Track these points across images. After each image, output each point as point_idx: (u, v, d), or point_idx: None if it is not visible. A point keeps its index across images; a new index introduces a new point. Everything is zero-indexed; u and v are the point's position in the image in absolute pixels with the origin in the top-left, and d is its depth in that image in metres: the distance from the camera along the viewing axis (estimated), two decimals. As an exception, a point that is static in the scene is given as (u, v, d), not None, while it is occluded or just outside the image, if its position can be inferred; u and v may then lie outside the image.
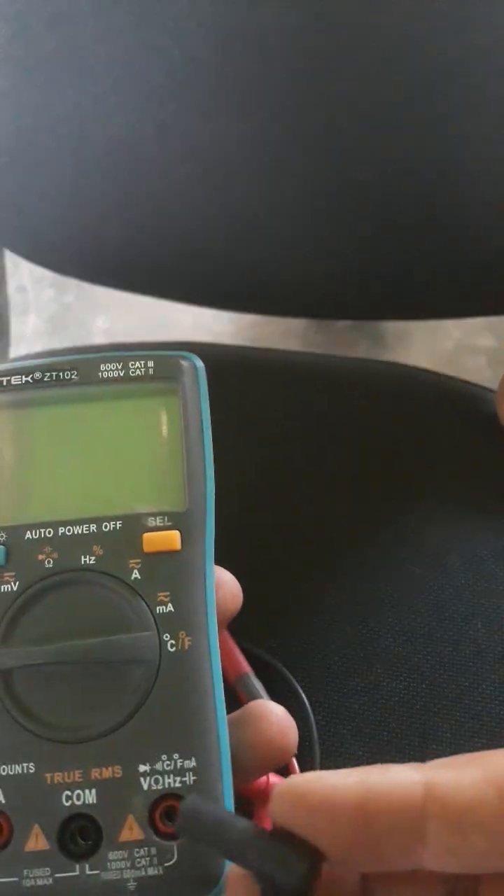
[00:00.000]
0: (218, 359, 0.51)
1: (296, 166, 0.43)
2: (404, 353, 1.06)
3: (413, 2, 0.37)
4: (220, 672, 0.25)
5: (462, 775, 0.18)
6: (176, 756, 0.24)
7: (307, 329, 1.06)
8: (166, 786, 0.24)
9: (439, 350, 1.07)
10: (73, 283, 1.14)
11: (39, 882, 0.23)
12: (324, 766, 0.33)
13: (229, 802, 0.24)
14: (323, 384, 0.48)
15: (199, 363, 0.29)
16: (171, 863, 0.23)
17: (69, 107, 0.43)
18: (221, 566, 0.33)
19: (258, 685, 0.34)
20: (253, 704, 0.27)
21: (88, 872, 0.23)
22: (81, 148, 0.44)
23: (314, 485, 0.42)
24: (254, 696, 0.33)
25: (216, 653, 0.25)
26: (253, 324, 1.07)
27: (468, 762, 0.19)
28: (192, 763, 0.24)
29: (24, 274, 1.15)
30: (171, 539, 0.26)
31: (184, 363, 0.29)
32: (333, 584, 0.38)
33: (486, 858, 0.18)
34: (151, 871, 0.23)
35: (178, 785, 0.24)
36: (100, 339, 1.12)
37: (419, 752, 0.34)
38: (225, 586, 0.28)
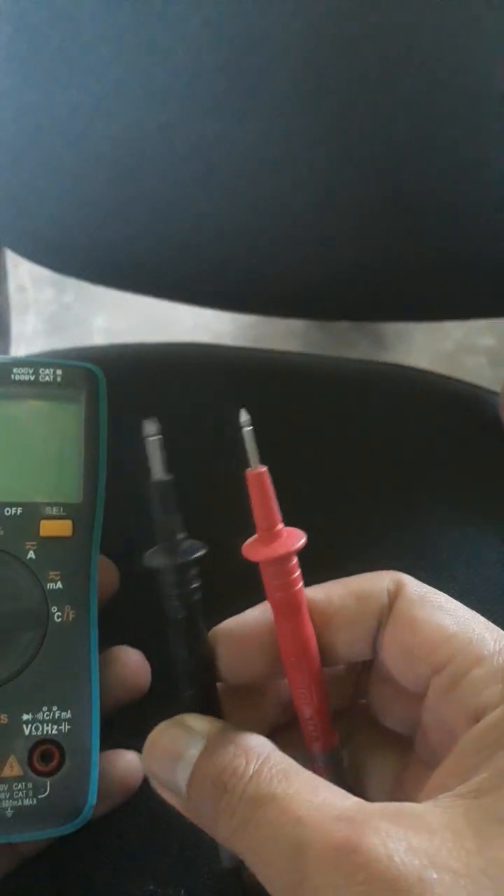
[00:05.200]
0: (217, 359, 0.51)
1: (299, 167, 0.43)
2: (404, 353, 1.06)
3: (420, 3, 0.37)
4: (97, 641, 0.30)
5: (330, 590, 0.27)
6: (55, 708, 0.28)
7: (308, 329, 1.06)
8: (45, 732, 0.28)
9: (439, 350, 1.07)
10: (72, 283, 1.14)
11: None
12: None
13: (96, 747, 0.28)
14: (324, 385, 0.48)
15: (101, 375, 0.33)
16: (43, 795, 0.27)
17: (71, 106, 0.42)
18: (223, 569, 0.35)
19: (343, 763, 0.28)
20: (114, 649, 0.31)
21: None
22: (83, 147, 0.44)
23: (315, 487, 0.42)
24: (340, 774, 0.27)
25: (94, 622, 0.30)
26: (253, 324, 1.07)
27: (334, 583, 0.27)
28: (67, 714, 0.28)
29: (23, 273, 1.15)
30: (65, 527, 0.30)
31: (88, 374, 0.33)
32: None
33: (352, 647, 0.26)
34: (27, 802, 0.27)
35: (54, 732, 0.28)
36: (99, 338, 1.12)
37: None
38: (105, 573, 0.32)
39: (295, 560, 0.27)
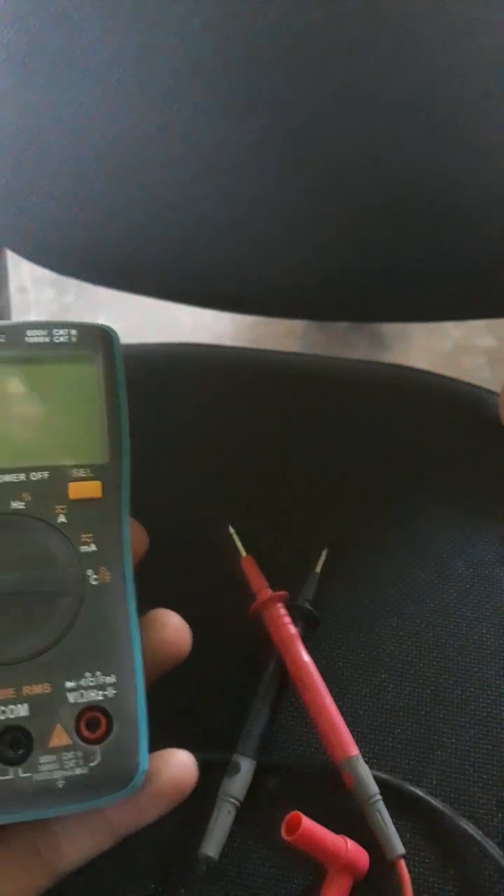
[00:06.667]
0: (218, 360, 0.50)
1: (298, 167, 0.43)
2: (404, 353, 1.06)
3: (420, 3, 0.37)
4: (135, 601, 0.29)
5: None
6: (98, 673, 0.28)
7: (307, 329, 1.06)
8: (90, 699, 0.27)
9: (439, 350, 1.07)
10: (73, 283, 1.14)
11: None
12: (327, 774, 0.33)
13: (142, 709, 0.28)
14: (323, 385, 0.47)
15: (115, 334, 0.32)
16: (94, 763, 0.27)
17: (71, 107, 0.42)
18: (220, 570, 0.39)
19: (365, 769, 0.32)
20: (153, 612, 0.31)
21: (22, 775, 0.26)
22: (84, 148, 0.44)
23: (315, 488, 0.42)
24: (361, 779, 0.32)
25: (131, 583, 0.29)
26: (253, 324, 1.07)
27: None
28: (112, 679, 0.28)
29: (24, 274, 1.14)
30: (94, 488, 0.30)
31: (102, 333, 0.32)
32: (337, 589, 0.38)
33: None
34: (78, 771, 0.26)
35: (100, 698, 0.27)
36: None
37: (424, 758, 0.34)
38: (132, 533, 0.31)
39: (284, 609, 0.36)
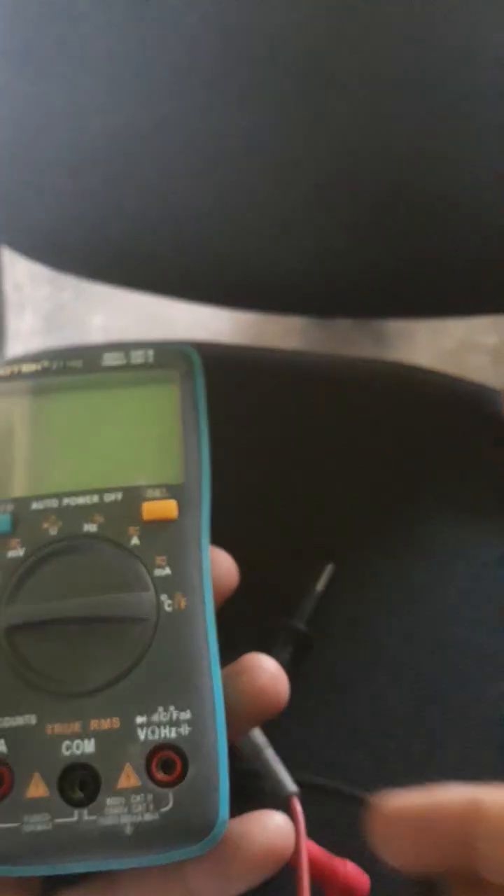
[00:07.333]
0: (216, 358, 0.50)
1: (298, 162, 0.43)
2: (407, 351, 1.06)
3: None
4: (215, 630, 0.27)
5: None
6: (172, 708, 0.25)
7: (308, 327, 1.06)
8: (162, 736, 0.25)
9: (442, 348, 1.07)
10: (69, 281, 1.14)
11: (39, 827, 0.24)
12: (328, 778, 0.32)
13: (223, 751, 0.25)
14: (324, 384, 0.47)
15: (196, 355, 0.32)
16: (166, 808, 0.24)
17: (67, 102, 0.42)
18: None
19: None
20: (246, 657, 0.28)
21: (87, 818, 0.24)
22: (79, 143, 0.44)
23: (316, 487, 0.42)
24: (247, 737, 0.30)
25: (211, 613, 0.27)
26: (252, 322, 1.07)
27: None
28: (187, 715, 0.25)
29: (20, 271, 1.14)
30: (169, 508, 0.28)
31: (181, 354, 0.32)
32: (337, 589, 0.38)
33: None
34: (148, 817, 0.24)
35: (173, 735, 0.25)
36: (97, 336, 1.11)
37: (426, 761, 0.33)
38: (220, 564, 0.29)
39: None
